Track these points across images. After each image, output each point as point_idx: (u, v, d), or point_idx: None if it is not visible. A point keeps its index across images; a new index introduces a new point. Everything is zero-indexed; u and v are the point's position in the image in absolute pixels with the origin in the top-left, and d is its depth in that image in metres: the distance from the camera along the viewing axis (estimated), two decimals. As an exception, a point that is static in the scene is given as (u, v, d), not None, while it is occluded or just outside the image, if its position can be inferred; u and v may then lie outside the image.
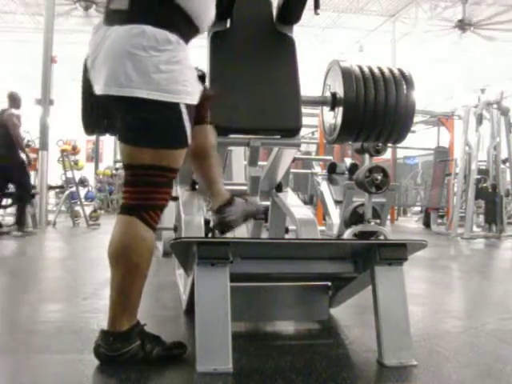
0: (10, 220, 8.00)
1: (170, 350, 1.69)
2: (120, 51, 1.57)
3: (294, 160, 4.48)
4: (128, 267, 1.62)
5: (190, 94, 1.63)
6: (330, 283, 2.24)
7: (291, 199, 2.93)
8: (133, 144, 1.63)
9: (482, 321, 2.47)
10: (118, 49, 1.57)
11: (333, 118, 2.69)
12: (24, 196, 6.56)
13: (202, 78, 1.84)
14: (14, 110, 6.50)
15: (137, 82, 1.55)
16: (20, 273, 3.68)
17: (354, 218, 5.57)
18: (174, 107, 1.59)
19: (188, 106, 1.62)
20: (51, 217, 8.21)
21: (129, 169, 1.65)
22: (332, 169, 7.17)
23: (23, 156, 6.54)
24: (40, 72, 8.20)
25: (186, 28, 1.66)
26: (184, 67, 1.63)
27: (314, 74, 6.05)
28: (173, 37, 1.60)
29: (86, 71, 2.37)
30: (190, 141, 1.66)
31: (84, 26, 15.74)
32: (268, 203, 3.22)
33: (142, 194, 1.62)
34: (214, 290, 1.63)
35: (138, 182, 1.63)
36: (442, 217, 9.87)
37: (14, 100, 6.56)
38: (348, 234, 5.24)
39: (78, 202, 8.59)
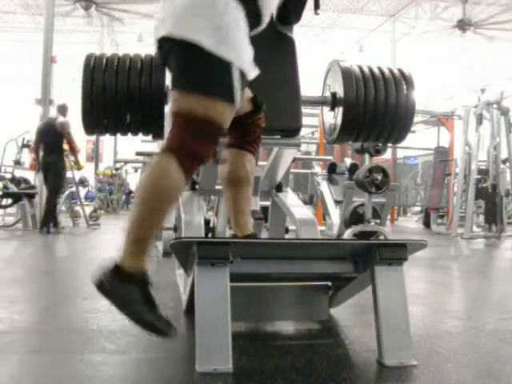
0: (10, 220, 8.01)
1: (158, 319, 1.64)
2: (187, 4, 1.69)
3: (294, 160, 4.48)
4: (147, 198, 1.63)
5: (242, 61, 1.69)
6: (330, 283, 2.24)
7: (291, 199, 2.93)
8: (182, 89, 1.69)
9: (482, 321, 2.47)
10: (186, 3, 1.70)
11: (333, 117, 2.69)
12: (53, 199, 6.99)
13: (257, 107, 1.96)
14: (62, 118, 7.05)
15: (198, 31, 1.64)
16: (19, 272, 3.68)
17: (353, 218, 5.57)
18: (226, 65, 1.66)
19: (240, 72, 1.69)
20: (51, 217, 8.20)
21: (176, 116, 1.70)
22: (332, 169, 7.17)
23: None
24: (40, 72, 8.20)
25: (249, 4, 1.73)
26: (242, 36, 1.71)
27: (314, 74, 6.05)
28: (235, 2, 1.68)
29: (86, 71, 2.39)
30: (237, 102, 1.70)
31: (84, 27, 15.76)
32: (268, 203, 3.23)
33: (183, 140, 1.65)
34: (214, 290, 1.63)
35: (181, 128, 1.66)
36: (442, 217, 9.87)
37: (64, 110, 7.19)
38: (348, 234, 5.24)
39: (78, 202, 8.60)
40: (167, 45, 1.72)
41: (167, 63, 1.79)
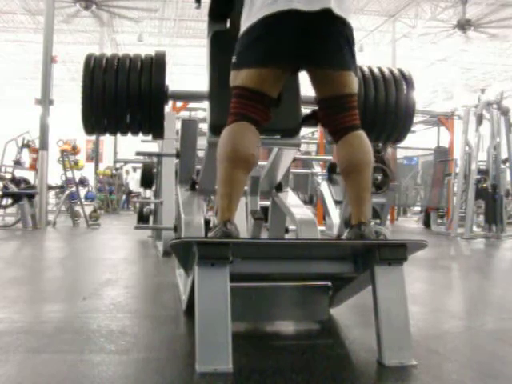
0: (10, 220, 8.01)
1: None
2: None
3: (294, 160, 4.48)
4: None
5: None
6: (330, 283, 2.23)
7: (291, 199, 2.93)
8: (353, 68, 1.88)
9: (481, 321, 2.47)
10: None
11: (333, 118, 2.68)
12: None
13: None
14: None
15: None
16: (19, 272, 3.68)
17: (354, 218, 5.56)
18: None
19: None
20: (51, 217, 8.21)
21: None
22: (332, 169, 7.17)
23: None
24: (40, 72, 8.20)
25: None
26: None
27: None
28: None
29: (86, 71, 2.39)
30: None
31: (84, 27, 15.76)
32: (268, 203, 3.23)
33: None
34: (214, 290, 1.63)
35: None
36: (442, 217, 9.87)
37: None
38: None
39: (78, 202, 8.60)
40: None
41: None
